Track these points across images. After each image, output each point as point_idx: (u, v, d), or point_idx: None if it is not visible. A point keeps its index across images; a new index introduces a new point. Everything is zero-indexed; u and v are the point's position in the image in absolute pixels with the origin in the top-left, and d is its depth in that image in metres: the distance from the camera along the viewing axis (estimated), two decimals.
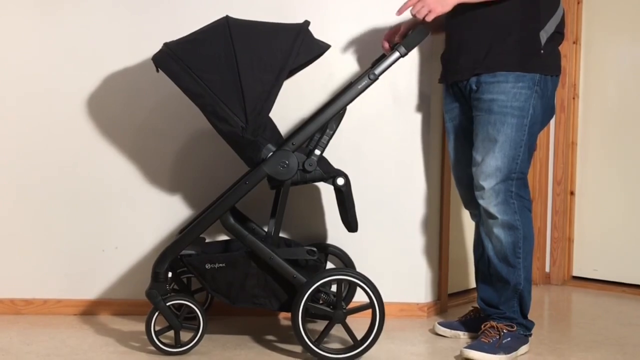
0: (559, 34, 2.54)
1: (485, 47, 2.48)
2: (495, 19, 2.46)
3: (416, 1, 2.42)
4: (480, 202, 2.53)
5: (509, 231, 2.50)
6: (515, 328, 2.53)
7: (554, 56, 2.53)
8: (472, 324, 2.72)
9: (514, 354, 2.50)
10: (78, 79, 2.91)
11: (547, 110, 2.55)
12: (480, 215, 2.59)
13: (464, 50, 2.54)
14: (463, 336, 2.73)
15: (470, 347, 2.47)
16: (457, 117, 2.66)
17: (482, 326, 2.57)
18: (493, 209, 2.50)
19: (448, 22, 2.59)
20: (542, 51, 2.47)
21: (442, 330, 2.75)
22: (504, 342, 2.48)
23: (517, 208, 2.50)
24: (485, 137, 2.49)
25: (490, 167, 2.48)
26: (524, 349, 2.55)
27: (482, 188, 2.50)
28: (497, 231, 2.51)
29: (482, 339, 2.50)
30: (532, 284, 2.61)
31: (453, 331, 2.74)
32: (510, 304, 2.56)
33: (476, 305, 2.75)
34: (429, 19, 2.41)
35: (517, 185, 2.51)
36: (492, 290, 2.59)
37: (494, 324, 2.54)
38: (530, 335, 2.61)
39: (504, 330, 2.51)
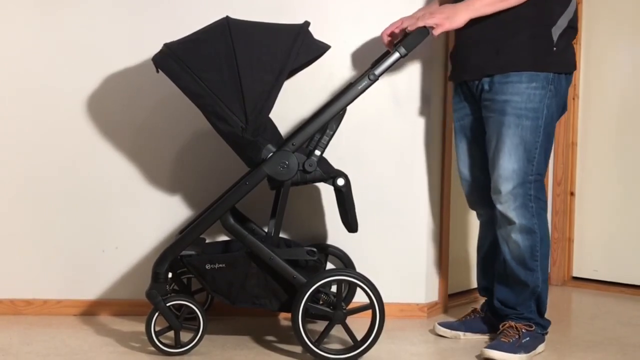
0: (571, 29, 2.48)
1: (495, 46, 2.45)
2: (505, 16, 2.41)
3: (428, 16, 2.40)
4: (498, 206, 2.50)
5: (527, 235, 2.48)
6: (533, 327, 2.53)
7: (568, 53, 2.48)
8: (472, 325, 2.73)
9: (532, 352, 2.50)
10: (78, 78, 2.91)
11: (560, 108, 2.51)
12: (484, 215, 2.60)
13: (473, 49, 2.51)
14: (463, 337, 2.72)
15: (490, 346, 2.48)
16: (465, 117, 2.63)
17: (501, 326, 2.57)
18: (511, 214, 2.47)
19: None
20: (554, 48, 2.42)
21: (442, 330, 2.75)
22: (523, 341, 2.49)
23: (535, 211, 2.48)
24: (499, 139, 2.46)
25: (506, 170, 2.46)
26: (541, 347, 2.56)
27: (500, 192, 2.48)
28: (515, 236, 2.49)
29: (502, 339, 2.50)
30: (548, 284, 2.60)
31: (453, 331, 2.74)
32: (527, 304, 2.55)
33: (476, 306, 2.75)
34: (436, 33, 2.39)
35: (535, 187, 2.47)
36: (508, 291, 2.58)
37: (512, 323, 2.54)
38: (547, 333, 2.61)
39: (523, 330, 2.51)
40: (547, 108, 2.44)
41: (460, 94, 2.64)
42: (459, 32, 2.56)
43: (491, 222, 2.63)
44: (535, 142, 2.45)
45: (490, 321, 2.69)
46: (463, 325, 2.75)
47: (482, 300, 2.81)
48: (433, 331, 2.78)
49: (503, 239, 2.54)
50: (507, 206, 2.47)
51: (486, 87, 2.49)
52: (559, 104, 2.50)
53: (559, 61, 2.44)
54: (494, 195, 2.51)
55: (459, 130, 2.66)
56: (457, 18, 2.39)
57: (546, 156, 2.51)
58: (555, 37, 2.42)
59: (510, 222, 2.49)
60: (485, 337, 2.70)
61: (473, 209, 2.76)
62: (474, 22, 2.44)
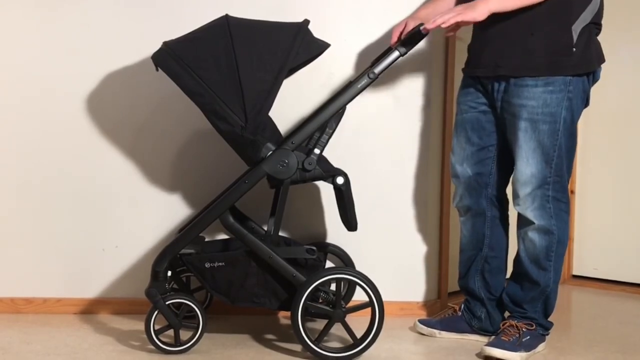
0: (594, 25, 2.40)
1: (511, 45, 2.39)
2: (522, 11, 2.33)
3: (447, 17, 2.31)
4: (517, 208, 2.50)
5: (544, 235, 2.48)
6: (534, 327, 2.54)
7: (589, 51, 2.39)
8: (449, 324, 2.72)
9: (532, 351, 2.51)
10: (78, 78, 2.91)
11: (580, 107, 2.46)
12: (474, 208, 2.61)
13: (488, 45, 2.45)
14: (439, 335, 2.71)
15: (490, 344, 2.48)
16: (469, 110, 2.58)
17: (501, 325, 2.58)
18: (530, 214, 2.46)
19: None
20: (574, 49, 2.35)
21: (420, 327, 2.75)
22: (523, 340, 2.49)
23: (553, 212, 2.46)
24: (516, 143, 2.44)
25: (524, 175, 2.44)
26: (541, 346, 2.56)
27: (518, 196, 2.48)
28: (532, 235, 2.49)
29: (502, 337, 2.50)
30: (558, 286, 2.59)
31: (429, 329, 2.73)
32: (534, 304, 2.55)
33: (455, 305, 2.75)
34: (453, 20, 2.31)
35: (553, 188, 2.45)
36: (518, 288, 2.58)
37: (513, 322, 2.54)
38: (548, 334, 2.61)
39: (524, 329, 2.51)
40: (566, 110, 2.39)
41: (470, 86, 2.58)
42: (475, 25, 2.50)
43: (480, 216, 2.63)
44: (553, 145, 2.41)
45: (469, 322, 2.70)
46: (440, 323, 2.74)
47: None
48: (413, 329, 2.78)
49: (520, 236, 2.54)
50: (525, 207, 2.47)
51: (502, 88, 2.46)
52: (579, 104, 2.44)
53: (577, 63, 2.37)
54: (513, 198, 2.51)
55: (459, 123, 2.63)
56: (478, 9, 2.30)
57: (569, 156, 2.47)
58: (575, 36, 2.35)
59: (528, 222, 2.48)
60: (460, 337, 2.69)
61: (459, 205, 2.69)
62: (491, 17, 2.38)
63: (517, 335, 2.50)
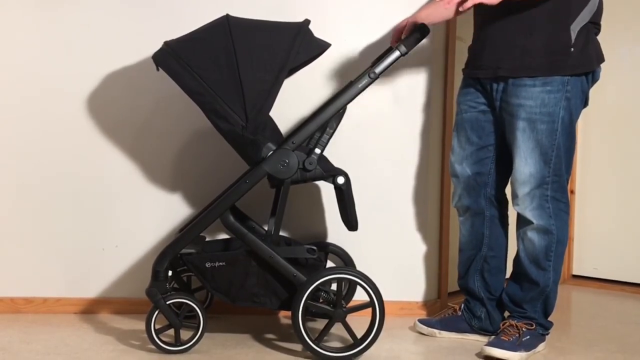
0: (593, 24, 2.41)
1: (509, 45, 2.39)
2: (521, 10, 2.34)
3: None
4: (516, 208, 2.51)
5: (544, 235, 2.48)
6: (534, 326, 2.54)
7: (587, 51, 2.39)
8: (449, 323, 2.73)
9: (532, 351, 2.51)
10: (78, 78, 2.91)
11: (579, 107, 2.46)
12: (473, 208, 2.61)
13: (488, 46, 2.46)
14: (439, 334, 2.72)
15: (490, 344, 2.49)
16: (469, 110, 2.59)
17: (501, 324, 2.59)
18: (529, 214, 2.47)
19: (476, 11, 2.53)
20: (572, 49, 2.36)
21: (420, 327, 2.75)
22: (523, 340, 2.49)
23: (553, 212, 2.46)
24: (515, 143, 2.45)
25: (523, 174, 2.45)
26: (541, 346, 2.56)
27: (517, 195, 2.48)
28: (531, 235, 2.49)
29: (502, 337, 2.51)
30: (558, 286, 2.59)
31: (430, 329, 2.73)
32: (534, 304, 2.55)
33: (455, 305, 2.75)
34: (468, 5, 2.25)
35: (552, 188, 2.45)
36: (518, 288, 2.58)
37: (513, 322, 2.55)
38: (548, 334, 2.61)
39: (524, 329, 2.52)
40: (564, 110, 2.39)
41: (470, 86, 2.59)
42: (476, 25, 2.51)
43: (479, 216, 2.64)
44: (551, 144, 2.41)
45: (469, 321, 2.70)
46: (439, 323, 2.74)
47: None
48: (413, 328, 2.78)
49: (519, 236, 2.54)
50: (524, 207, 2.47)
51: (500, 88, 2.46)
52: (578, 104, 2.44)
53: (575, 63, 2.37)
54: (512, 198, 2.52)
55: (460, 123, 2.63)
56: None
57: (568, 156, 2.47)
58: (573, 35, 2.36)
59: (528, 222, 2.48)
60: (460, 337, 2.70)
61: (458, 204, 2.69)
62: (489, 16, 2.39)
63: (517, 335, 2.50)
